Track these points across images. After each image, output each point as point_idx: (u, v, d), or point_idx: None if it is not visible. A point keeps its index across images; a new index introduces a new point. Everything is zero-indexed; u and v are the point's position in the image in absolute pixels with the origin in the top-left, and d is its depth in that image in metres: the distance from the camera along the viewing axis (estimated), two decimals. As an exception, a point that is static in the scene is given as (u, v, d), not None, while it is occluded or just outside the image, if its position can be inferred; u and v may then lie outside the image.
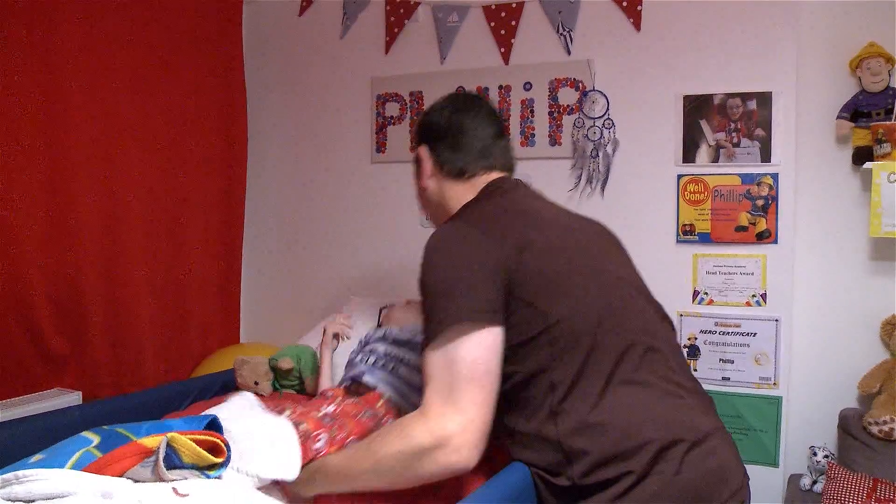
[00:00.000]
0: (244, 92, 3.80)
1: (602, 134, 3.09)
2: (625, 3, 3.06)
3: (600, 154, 3.10)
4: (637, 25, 3.05)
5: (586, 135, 3.11)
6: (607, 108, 3.10)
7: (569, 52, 3.19)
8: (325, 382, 2.67)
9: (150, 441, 1.45)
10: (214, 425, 1.62)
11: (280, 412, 2.03)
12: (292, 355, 2.93)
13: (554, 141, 3.22)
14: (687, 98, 2.92)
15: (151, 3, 3.24)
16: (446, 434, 1.39)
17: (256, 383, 2.84)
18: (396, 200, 3.58)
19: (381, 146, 3.60)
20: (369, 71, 3.62)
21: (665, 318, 1.77)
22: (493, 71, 3.33)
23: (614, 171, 3.09)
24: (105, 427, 1.62)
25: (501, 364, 1.50)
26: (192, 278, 3.52)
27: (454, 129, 1.91)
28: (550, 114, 3.22)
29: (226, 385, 2.91)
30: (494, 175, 1.92)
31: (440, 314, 1.47)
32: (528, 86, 3.27)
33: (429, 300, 1.54)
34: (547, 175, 3.21)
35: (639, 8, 3.04)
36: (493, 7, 3.31)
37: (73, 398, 2.74)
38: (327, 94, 3.74)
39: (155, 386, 3.07)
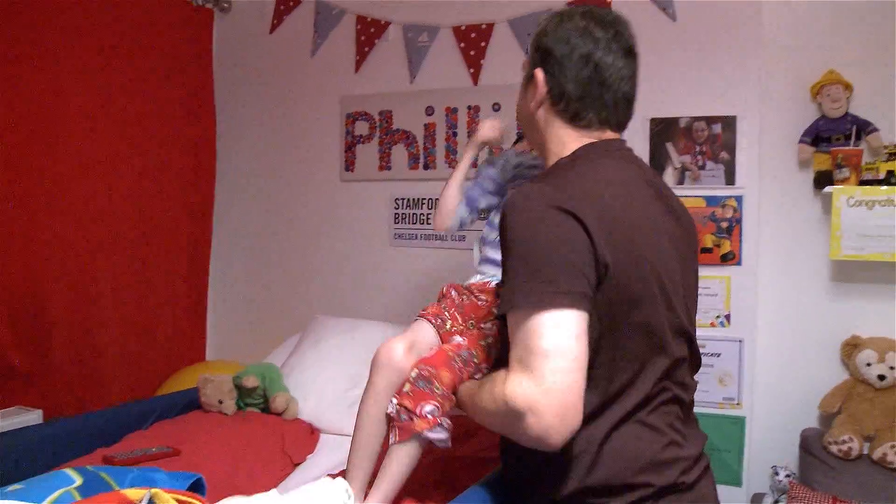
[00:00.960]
0: (213, 109, 3.80)
1: (569, 155, 3.10)
2: (593, 27, 3.09)
3: (568, 175, 3.10)
4: (605, 48, 3.08)
5: (554, 155, 3.12)
6: (574, 130, 3.11)
7: (537, 74, 3.20)
8: (448, 204, 2.39)
9: (132, 493, 1.41)
10: (198, 485, 1.60)
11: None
12: (257, 373, 2.91)
13: (522, 161, 3.22)
14: (653, 121, 2.96)
15: (119, 17, 3.23)
16: (528, 400, 1.29)
17: (220, 402, 2.82)
18: (365, 219, 3.58)
19: (350, 164, 3.61)
20: (339, 89, 3.64)
21: (694, 355, 1.69)
22: (462, 91, 3.36)
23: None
24: (89, 468, 1.59)
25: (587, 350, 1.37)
26: (159, 295, 3.50)
27: (586, 68, 1.55)
28: (518, 134, 3.22)
29: (190, 404, 2.88)
30: (609, 134, 1.62)
31: (533, 283, 1.34)
32: (496, 106, 3.30)
33: (519, 263, 1.37)
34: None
35: (606, 31, 3.07)
36: (464, 28, 3.34)
37: (33, 417, 2.70)
38: (297, 112, 3.74)
39: (118, 404, 3.03)
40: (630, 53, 1.60)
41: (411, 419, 1.64)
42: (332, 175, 3.66)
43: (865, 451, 2.54)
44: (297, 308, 3.68)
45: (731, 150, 2.87)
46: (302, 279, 3.73)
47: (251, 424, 2.72)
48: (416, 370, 1.69)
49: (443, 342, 1.88)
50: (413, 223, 3.48)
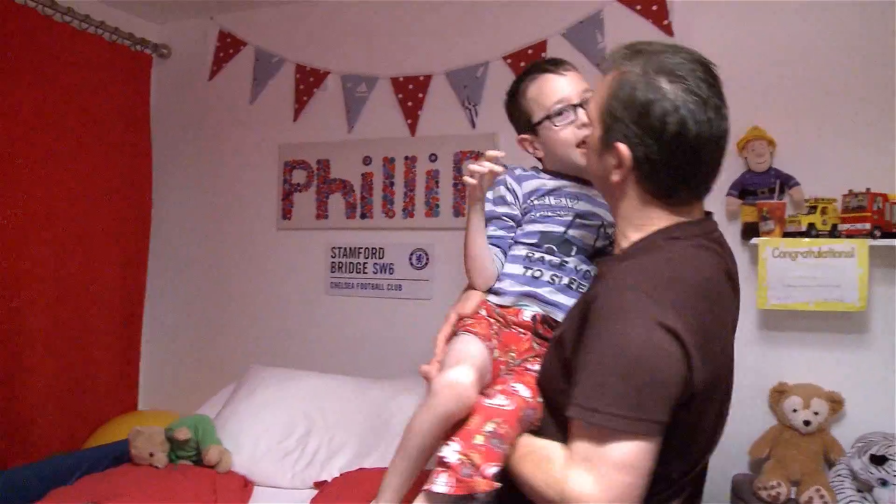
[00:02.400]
0: (150, 154, 3.77)
1: (504, 206, 3.14)
2: (527, 80, 3.16)
3: (503, 225, 3.14)
4: (539, 101, 3.15)
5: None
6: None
7: (474, 125, 3.28)
8: (485, 262, 1.77)
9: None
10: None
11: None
12: (189, 425, 2.86)
13: (458, 212, 3.28)
14: (586, 172, 3.00)
15: (55, 60, 3.20)
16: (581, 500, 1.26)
17: (152, 454, 2.77)
18: (301, 268, 3.58)
19: (287, 213, 3.60)
20: (278, 137, 3.65)
21: None
22: (399, 141, 3.39)
23: (516, 242, 3.13)
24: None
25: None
26: (90, 343, 3.43)
27: (680, 145, 1.35)
28: (455, 185, 3.29)
29: (120, 457, 2.82)
30: (698, 210, 1.47)
31: (624, 403, 1.25)
32: (433, 157, 3.33)
33: (615, 375, 1.27)
34: (451, 245, 3.27)
35: (541, 85, 3.15)
36: (401, 79, 3.39)
37: (-51, 473, 2.61)
38: (235, 159, 3.74)
39: (45, 457, 2.94)
40: (724, 105, 1.40)
41: (472, 476, 1.41)
42: (269, 223, 3.65)
43: (793, 496, 2.58)
44: (232, 357, 3.63)
45: None
46: (238, 328, 3.69)
47: (183, 478, 2.67)
48: (492, 423, 1.44)
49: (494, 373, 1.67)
50: (350, 272, 3.48)
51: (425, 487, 1.41)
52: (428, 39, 3.38)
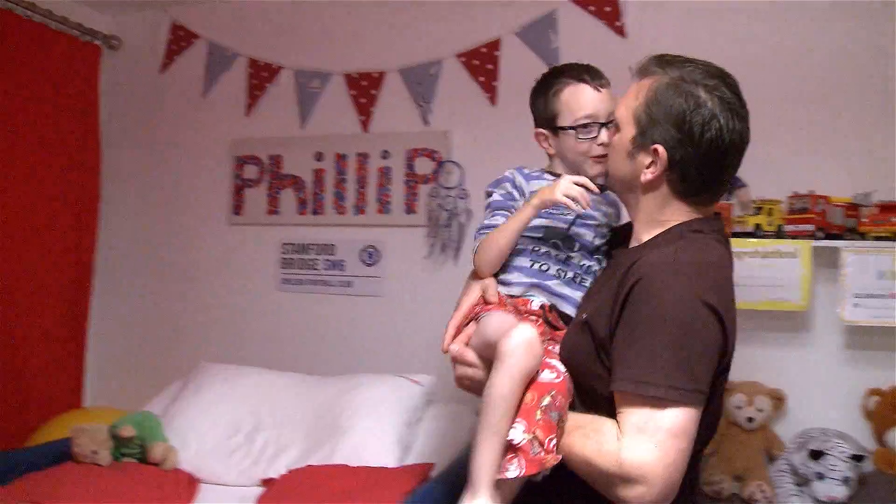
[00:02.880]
0: (98, 147, 3.71)
1: (456, 204, 3.17)
2: (482, 78, 3.19)
3: (454, 223, 3.17)
4: (493, 100, 3.18)
5: (441, 204, 3.18)
6: (462, 179, 3.19)
7: (426, 123, 3.28)
8: (503, 257, 1.77)
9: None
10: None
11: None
12: (135, 422, 2.82)
13: (409, 209, 3.28)
14: (537, 171, 3.02)
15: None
16: (646, 470, 1.32)
17: (95, 452, 2.72)
18: (252, 263, 3.55)
19: (238, 208, 3.57)
20: (230, 132, 3.61)
21: None
22: (352, 138, 3.38)
23: (467, 239, 3.17)
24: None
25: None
26: (33, 339, 3.36)
27: (706, 148, 1.47)
28: (407, 182, 3.29)
29: (62, 455, 2.76)
30: (712, 208, 1.59)
31: (680, 375, 1.34)
32: (385, 154, 3.33)
33: (670, 349, 1.35)
34: (402, 242, 3.28)
35: (495, 83, 3.17)
36: (355, 75, 3.38)
37: None
38: (186, 154, 3.70)
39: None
40: (748, 115, 1.52)
41: (539, 453, 1.43)
42: (220, 218, 3.62)
43: (736, 491, 2.62)
44: (181, 354, 3.58)
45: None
46: (187, 324, 3.65)
47: (126, 476, 2.63)
48: (548, 396, 1.47)
49: None
50: (301, 268, 3.46)
51: (499, 477, 1.44)
52: (382, 36, 3.37)
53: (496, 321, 1.60)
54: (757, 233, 2.69)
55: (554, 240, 1.75)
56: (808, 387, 2.75)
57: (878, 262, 2.62)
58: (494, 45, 3.17)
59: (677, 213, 1.54)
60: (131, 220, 3.79)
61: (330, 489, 2.45)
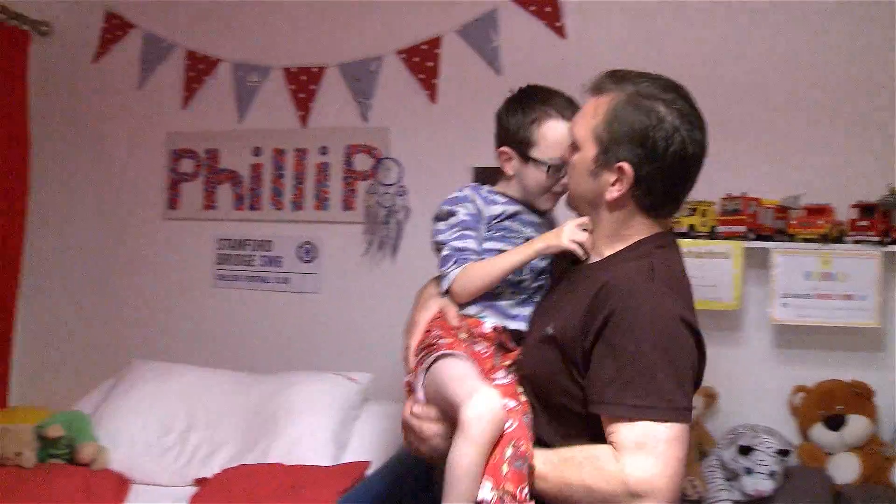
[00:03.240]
0: (27, 137, 3.60)
1: (395, 201, 3.17)
2: (422, 76, 3.18)
3: (392, 220, 3.17)
4: (433, 97, 3.18)
5: (379, 201, 3.18)
6: (401, 176, 3.19)
7: (366, 119, 3.26)
8: (489, 286, 1.72)
9: None
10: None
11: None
12: (63, 422, 2.76)
13: (347, 206, 3.26)
14: (476, 170, 3.03)
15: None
16: (653, 484, 1.33)
17: (18, 454, 2.64)
18: (187, 259, 3.49)
19: (173, 202, 3.51)
20: (165, 125, 3.55)
21: None
22: (290, 133, 3.35)
23: (405, 237, 3.17)
24: None
25: None
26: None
27: (670, 163, 1.49)
28: (345, 179, 3.27)
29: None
30: (671, 220, 1.65)
31: (676, 395, 1.36)
32: (324, 150, 3.31)
33: (663, 370, 1.37)
34: (340, 239, 3.27)
35: (435, 81, 3.17)
36: (294, 70, 3.34)
37: None
38: (120, 146, 3.61)
39: None
40: (705, 124, 1.55)
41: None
42: (154, 213, 3.55)
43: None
44: (112, 351, 3.50)
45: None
46: (120, 320, 3.57)
47: (53, 477, 2.56)
48: (510, 447, 1.44)
49: None
50: (237, 264, 3.41)
51: None
52: (322, 31, 3.34)
53: (457, 376, 1.53)
54: (690, 233, 2.74)
55: None
56: (738, 384, 2.81)
57: (805, 264, 2.69)
58: (435, 43, 3.17)
59: (641, 228, 1.56)
60: (61, 214, 3.69)
61: (264, 488, 2.43)
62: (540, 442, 1.50)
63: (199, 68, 3.48)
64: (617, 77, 1.54)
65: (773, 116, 2.85)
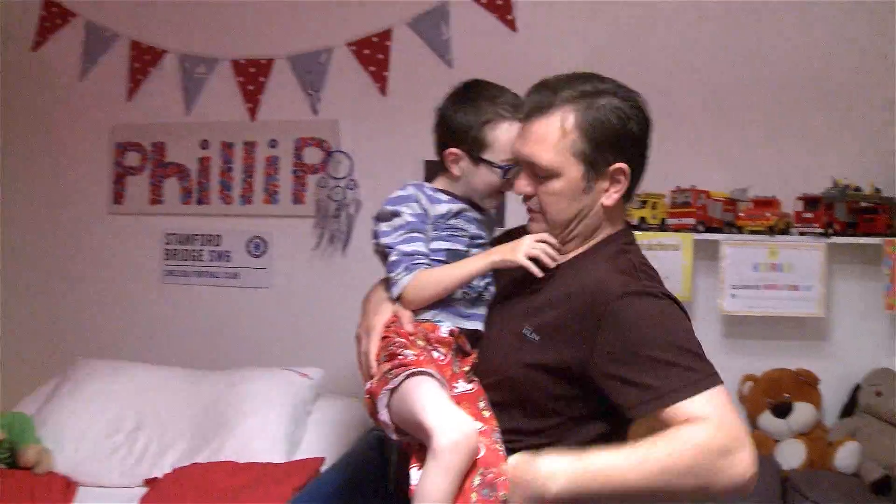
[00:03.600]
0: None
1: (345, 195, 3.15)
2: (372, 68, 3.16)
3: (343, 214, 3.15)
4: (383, 90, 3.16)
5: (330, 195, 3.16)
6: (351, 170, 3.16)
7: (316, 112, 3.23)
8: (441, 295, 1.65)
9: None
10: None
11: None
12: (3, 424, 2.69)
13: (297, 199, 3.23)
14: (428, 163, 3.02)
15: None
16: (737, 433, 1.30)
17: (-44, 458, 2.57)
18: (134, 255, 3.43)
19: (118, 197, 3.44)
20: (110, 118, 3.46)
21: None
22: (239, 126, 3.31)
23: (357, 231, 3.15)
24: None
25: None
26: None
27: (644, 142, 1.54)
28: (295, 172, 3.24)
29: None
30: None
31: (706, 370, 1.37)
32: (273, 143, 3.27)
33: (688, 353, 1.38)
34: (290, 233, 3.24)
35: (385, 74, 3.15)
36: (243, 62, 3.29)
37: None
38: (62, 139, 3.52)
39: None
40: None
41: None
42: (98, 207, 3.47)
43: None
44: (56, 350, 3.42)
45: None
46: (64, 319, 3.49)
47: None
48: (478, 476, 1.39)
49: None
50: (185, 259, 3.36)
51: None
52: (271, 22, 3.29)
53: (428, 400, 1.45)
54: (641, 226, 2.77)
55: (456, 262, 1.66)
56: (687, 375, 2.84)
57: (754, 255, 2.74)
58: (386, 35, 3.15)
59: (610, 222, 1.58)
60: (1, 209, 3.58)
61: (217, 487, 2.40)
62: (518, 432, 1.49)
63: (144, 59, 3.41)
64: (550, 89, 1.51)
65: (722, 110, 2.90)
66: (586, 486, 1.33)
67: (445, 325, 1.62)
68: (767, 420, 2.73)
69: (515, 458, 1.42)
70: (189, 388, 2.90)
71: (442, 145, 1.69)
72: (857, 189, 2.71)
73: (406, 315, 1.63)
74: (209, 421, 2.76)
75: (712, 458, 1.28)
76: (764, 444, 2.70)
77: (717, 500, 1.31)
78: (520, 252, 1.53)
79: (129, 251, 3.44)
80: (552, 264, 1.53)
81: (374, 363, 1.60)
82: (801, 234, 2.72)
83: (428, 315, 1.63)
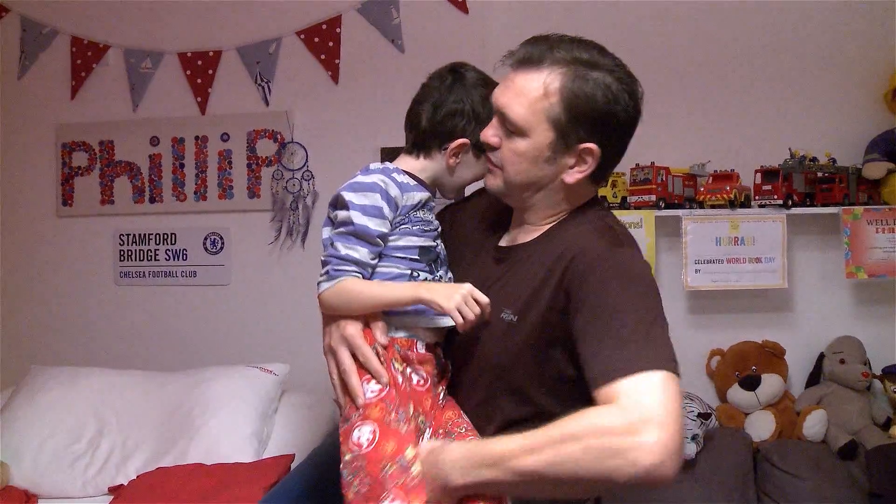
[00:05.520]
0: None
1: (301, 186, 3.11)
2: (323, 56, 3.11)
3: (300, 206, 3.11)
4: (335, 78, 3.11)
5: (286, 187, 3.11)
6: (306, 160, 3.12)
7: (267, 103, 3.17)
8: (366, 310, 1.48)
9: None
10: None
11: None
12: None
13: (253, 193, 3.18)
14: (384, 150, 2.99)
15: None
16: (653, 410, 1.16)
17: None
18: (87, 257, 3.34)
19: (67, 199, 3.34)
20: (54, 117, 3.36)
21: None
22: (189, 120, 3.23)
23: (315, 222, 3.11)
24: None
25: None
26: None
27: (626, 131, 1.44)
28: (249, 165, 3.18)
29: None
30: None
31: (665, 350, 1.25)
32: (225, 136, 3.20)
33: (647, 325, 1.27)
34: (247, 228, 3.19)
35: (337, 61, 3.10)
36: (189, 55, 3.21)
37: None
38: (3, 141, 3.40)
39: None
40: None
41: None
42: (47, 210, 3.37)
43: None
44: (8, 359, 3.31)
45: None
46: (14, 326, 3.38)
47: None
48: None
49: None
50: (140, 260, 3.29)
51: None
52: (217, 13, 3.22)
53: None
54: (603, 204, 2.76)
55: (428, 260, 1.52)
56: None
57: (715, 229, 2.75)
58: (335, 22, 3.09)
59: (578, 197, 1.49)
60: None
61: (184, 491, 2.34)
62: (513, 423, 1.42)
63: (86, 55, 3.30)
64: (546, 45, 1.41)
65: (678, 86, 2.91)
66: (484, 476, 1.27)
67: (420, 341, 1.48)
68: (736, 393, 2.76)
69: (427, 446, 1.36)
70: (151, 391, 2.83)
71: (438, 136, 1.53)
72: (814, 160, 2.73)
73: (380, 327, 1.45)
74: (173, 424, 2.70)
75: (621, 443, 1.15)
76: (735, 418, 2.73)
77: (622, 489, 1.21)
78: (452, 302, 1.36)
79: (81, 254, 3.35)
80: (470, 324, 1.39)
81: (357, 390, 1.40)
82: (761, 206, 2.73)
83: (401, 334, 1.46)
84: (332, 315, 1.49)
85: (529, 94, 1.39)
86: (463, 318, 1.37)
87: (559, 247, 1.41)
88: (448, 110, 1.52)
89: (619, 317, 1.29)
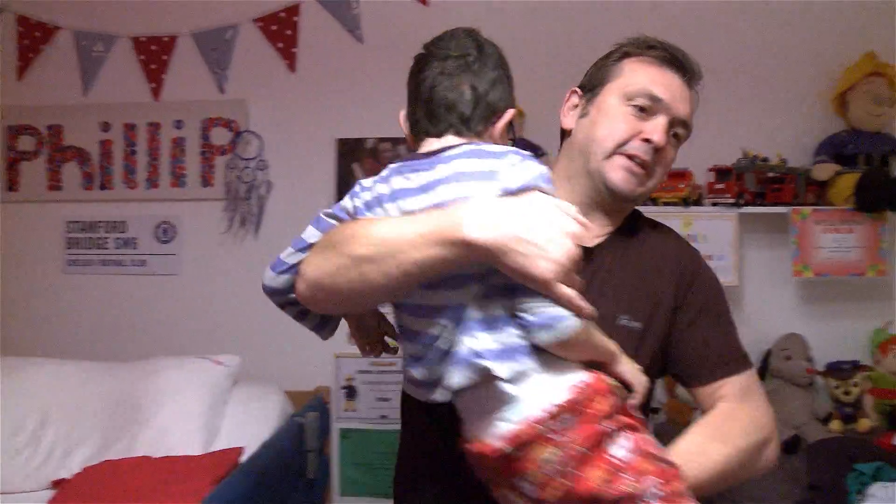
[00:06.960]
0: None
1: (255, 176, 3.08)
2: (280, 45, 3.08)
3: (254, 195, 3.08)
4: (292, 67, 3.08)
5: (240, 176, 3.08)
6: (261, 150, 3.09)
7: (223, 91, 3.14)
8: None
9: None
10: None
11: None
12: None
13: (206, 182, 3.14)
14: (340, 141, 2.98)
15: None
16: (773, 425, 1.36)
17: None
18: (33, 245, 3.27)
19: (13, 184, 3.27)
20: None
21: None
22: (142, 107, 3.18)
23: (268, 212, 3.08)
24: None
25: None
26: None
27: None
28: (203, 154, 3.14)
29: None
30: None
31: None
32: (179, 124, 3.16)
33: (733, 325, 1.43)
34: (199, 217, 3.14)
35: (294, 50, 3.08)
36: (144, 39, 3.16)
37: None
38: (-55, 124, 3.32)
39: None
40: None
41: None
42: (-9, 196, 3.29)
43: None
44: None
45: None
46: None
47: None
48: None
49: None
50: (89, 248, 3.23)
51: None
52: (172, -3, 3.17)
53: None
54: (559, 198, 2.78)
55: None
56: (607, 347, 2.88)
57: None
58: (293, 11, 3.07)
59: None
60: None
61: (131, 485, 2.31)
62: None
63: (34, 36, 3.23)
64: (692, 63, 1.49)
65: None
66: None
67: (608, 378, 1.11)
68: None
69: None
70: (98, 382, 2.78)
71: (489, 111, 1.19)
72: (766, 160, 2.77)
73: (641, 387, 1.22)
74: (120, 415, 2.66)
75: (757, 454, 1.32)
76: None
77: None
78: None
79: (27, 241, 3.27)
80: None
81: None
82: (714, 204, 2.77)
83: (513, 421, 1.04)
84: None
85: (692, 111, 1.44)
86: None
87: (659, 247, 1.41)
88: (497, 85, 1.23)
89: (725, 318, 1.42)
